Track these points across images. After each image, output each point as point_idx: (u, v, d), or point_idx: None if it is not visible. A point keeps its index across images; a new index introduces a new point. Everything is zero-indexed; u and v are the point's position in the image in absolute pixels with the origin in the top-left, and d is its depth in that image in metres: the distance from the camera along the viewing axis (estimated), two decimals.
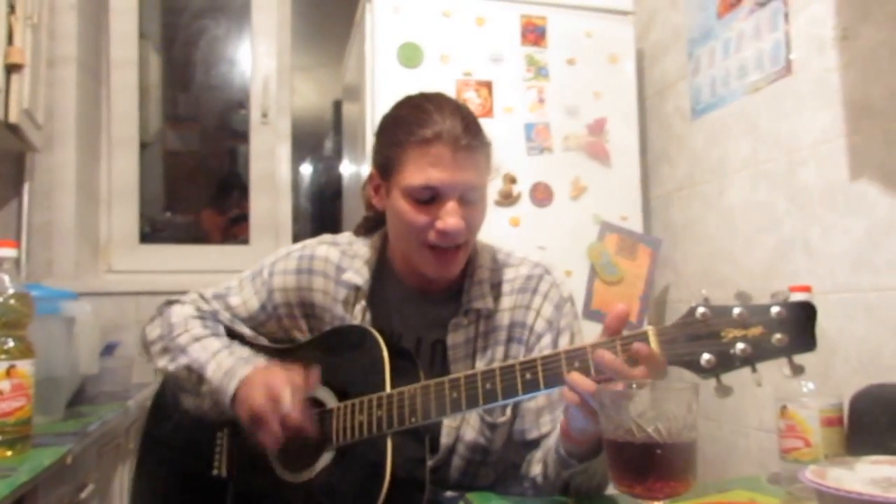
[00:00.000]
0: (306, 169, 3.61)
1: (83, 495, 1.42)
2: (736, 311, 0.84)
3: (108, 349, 2.18)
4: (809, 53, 1.78)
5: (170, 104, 3.23)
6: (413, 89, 1.24)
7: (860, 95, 1.63)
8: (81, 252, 2.52)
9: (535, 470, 1.16)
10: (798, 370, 0.83)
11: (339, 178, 3.25)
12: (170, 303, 1.32)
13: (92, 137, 2.70)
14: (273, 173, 3.02)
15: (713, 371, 0.85)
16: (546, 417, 1.19)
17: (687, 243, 2.29)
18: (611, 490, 0.97)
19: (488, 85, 2.21)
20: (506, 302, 1.24)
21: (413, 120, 1.13)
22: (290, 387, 1.07)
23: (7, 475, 0.98)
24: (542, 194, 2.22)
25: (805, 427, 1.06)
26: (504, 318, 1.23)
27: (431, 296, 1.24)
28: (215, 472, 1.25)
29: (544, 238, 2.18)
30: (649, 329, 0.89)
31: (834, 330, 1.66)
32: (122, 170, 2.83)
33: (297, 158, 3.17)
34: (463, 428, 1.20)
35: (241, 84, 3.17)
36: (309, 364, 1.16)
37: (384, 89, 2.11)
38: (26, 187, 2.36)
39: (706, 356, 0.85)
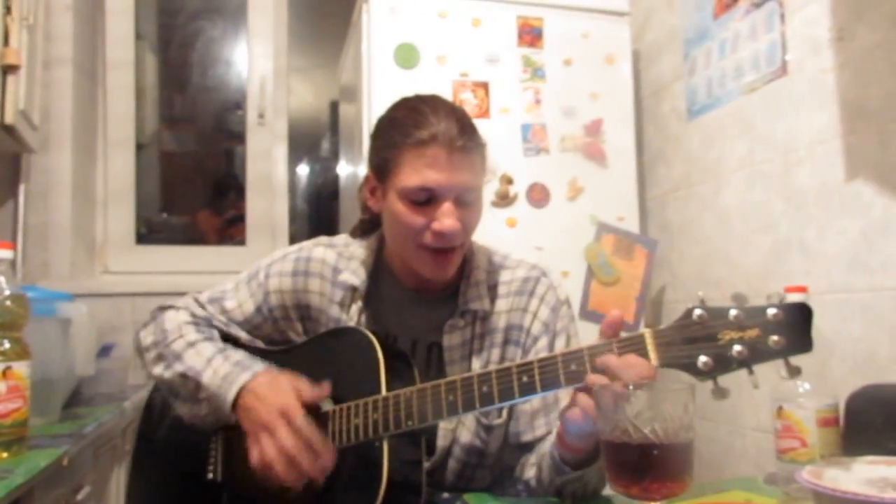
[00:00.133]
0: (303, 170, 3.61)
1: (79, 497, 1.41)
2: (732, 312, 0.84)
3: (105, 350, 2.18)
4: (805, 54, 1.78)
5: (166, 105, 3.22)
6: (410, 90, 1.24)
7: (855, 96, 1.63)
8: (77, 253, 2.52)
9: (529, 473, 1.16)
10: (795, 371, 0.84)
11: (335, 179, 3.26)
12: (163, 308, 1.31)
13: (88, 138, 2.69)
14: (270, 174, 3.01)
15: (710, 373, 0.85)
16: (541, 420, 1.19)
17: (683, 244, 2.29)
18: (607, 491, 0.97)
19: (485, 86, 2.21)
20: (502, 304, 1.24)
21: (409, 122, 1.13)
22: (300, 401, 1.07)
23: (3, 477, 0.98)
24: (538, 195, 2.22)
25: (801, 427, 1.06)
26: (500, 321, 1.23)
27: (428, 297, 1.24)
28: (210, 475, 1.25)
29: (541, 239, 2.18)
30: (646, 331, 0.90)
31: (830, 330, 1.67)
32: (119, 171, 2.82)
33: (293, 159, 3.17)
34: (459, 430, 1.20)
35: (237, 85, 3.17)
36: (304, 365, 1.16)
37: (381, 90, 2.11)
38: (22, 188, 2.36)
39: (703, 358, 0.85)
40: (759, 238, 1.94)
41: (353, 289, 1.25)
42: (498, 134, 2.14)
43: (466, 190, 1.13)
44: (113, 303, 2.48)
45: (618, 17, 2.36)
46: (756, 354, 0.83)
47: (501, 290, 1.24)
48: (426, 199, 1.12)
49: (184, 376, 1.18)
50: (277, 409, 1.06)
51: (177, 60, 3.26)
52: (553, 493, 1.11)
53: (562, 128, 2.26)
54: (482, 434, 1.20)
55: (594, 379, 0.88)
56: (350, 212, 2.39)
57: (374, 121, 1.24)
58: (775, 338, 0.82)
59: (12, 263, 1.16)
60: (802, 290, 1.10)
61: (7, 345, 1.11)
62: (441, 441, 1.20)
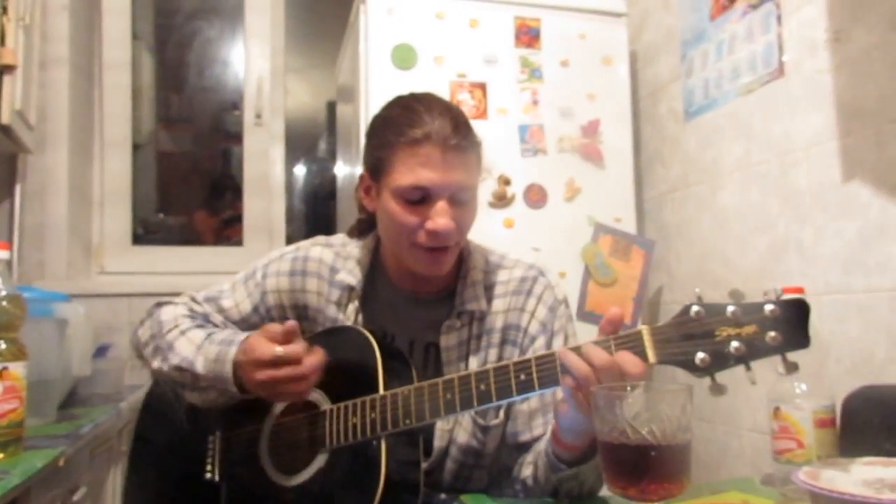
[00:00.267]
0: (300, 170, 3.61)
1: (75, 498, 1.41)
2: (730, 309, 0.84)
3: (101, 351, 2.17)
4: (802, 55, 1.78)
5: (163, 105, 3.22)
6: (407, 91, 1.24)
7: (852, 97, 1.64)
8: (74, 254, 2.52)
9: (526, 472, 1.16)
10: (792, 368, 0.84)
11: (332, 179, 3.25)
12: (160, 304, 1.31)
13: (84, 139, 2.69)
14: (267, 174, 3.01)
15: (707, 370, 0.85)
16: (538, 420, 1.19)
17: (680, 244, 2.30)
18: (605, 492, 0.97)
19: (482, 86, 2.21)
20: (499, 304, 1.23)
21: (403, 120, 1.13)
22: (273, 343, 1.07)
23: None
24: (536, 196, 2.22)
25: (798, 428, 1.06)
26: (498, 321, 1.23)
27: (424, 298, 1.24)
28: (208, 475, 1.25)
29: (538, 240, 2.19)
30: (643, 328, 0.89)
31: (826, 331, 1.67)
32: (115, 171, 2.82)
33: (290, 160, 3.17)
34: (456, 431, 1.20)
35: (234, 85, 3.16)
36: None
37: (378, 91, 2.11)
38: (18, 189, 2.35)
39: (700, 355, 0.85)
40: (756, 239, 1.94)
41: (350, 289, 1.25)
42: (495, 135, 2.15)
43: (461, 189, 1.13)
44: (109, 303, 2.48)
45: (615, 18, 2.37)
46: (753, 351, 0.83)
47: (499, 289, 1.24)
48: (420, 198, 1.12)
49: (179, 369, 1.18)
50: (262, 366, 1.07)
51: (173, 61, 3.25)
52: (549, 493, 1.11)
53: (559, 128, 2.27)
54: (479, 435, 1.20)
55: (572, 362, 0.89)
56: (347, 212, 2.38)
57: (370, 121, 1.24)
58: (772, 334, 0.82)
59: (8, 264, 1.16)
60: (799, 290, 1.10)
61: (3, 345, 1.11)
62: (438, 442, 1.20)
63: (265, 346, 1.07)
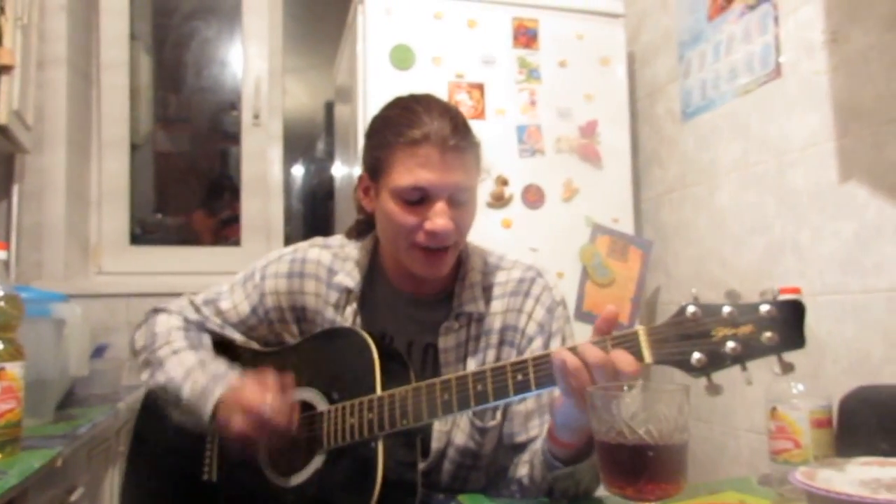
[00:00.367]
0: (298, 170, 3.61)
1: (73, 498, 1.41)
2: (726, 309, 0.85)
3: (98, 351, 2.17)
4: (799, 56, 1.79)
5: (161, 106, 3.21)
6: (405, 91, 1.24)
7: (849, 98, 1.64)
8: (71, 254, 2.51)
9: (522, 472, 1.16)
10: (788, 368, 0.84)
11: (330, 179, 3.25)
12: (157, 310, 1.32)
13: (82, 139, 2.69)
14: (265, 175, 3.01)
15: (704, 370, 0.85)
16: (535, 421, 1.19)
17: (678, 245, 2.30)
18: (602, 492, 0.97)
19: (480, 87, 2.22)
20: (497, 305, 1.23)
21: (402, 121, 1.13)
22: (267, 399, 1.08)
23: None
24: (533, 196, 2.22)
25: (795, 428, 1.06)
26: (496, 322, 1.23)
27: (423, 299, 1.24)
28: (205, 476, 1.25)
29: (536, 240, 2.19)
30: (640, 329, 0.90)
31: (823, 331, 1.67)
32: (113, 171, 2.82)
33: (288, 160, 3.17)
34: (453, 432, 1.20)
35: (232, 85, 3.16)
36: (299, 366, 1.17)
37: (376, 91, 2.11)
38: (16, 189, 2.35)
39: (697, 355, 0.85)
40: (754, 239, 1.95)
41: (348, 290, 1.25)
42: (493, 135, 2.15)
43: (459, 189, 1.13)
44: (107, 303, 2.48)
45: (612, 18, 2.37)
46: (749, 351, 0.83)
47: (497, 291, 1.24)
48: (419, 199, 1.12)
49: (165, 389, 1.20)
50: (247, 415, 1.08)
51: (171, 61, 3.25)
52: (545, 492, 1.11)
53: (557, 129, 2.27)
54: (476, 436, 1.20)
55: (566, 357, 0.90)
56: (345, 213, 2.38)
57: (369, 122, 1.24)
58: (769, 334, 0.82)
59: (6, 264, 1.16)
60: (796, 291, 1.10)
61: (0, 346, 1.11)
62: (435, 443, 1.20)
63: (256, 394, 1.09)
